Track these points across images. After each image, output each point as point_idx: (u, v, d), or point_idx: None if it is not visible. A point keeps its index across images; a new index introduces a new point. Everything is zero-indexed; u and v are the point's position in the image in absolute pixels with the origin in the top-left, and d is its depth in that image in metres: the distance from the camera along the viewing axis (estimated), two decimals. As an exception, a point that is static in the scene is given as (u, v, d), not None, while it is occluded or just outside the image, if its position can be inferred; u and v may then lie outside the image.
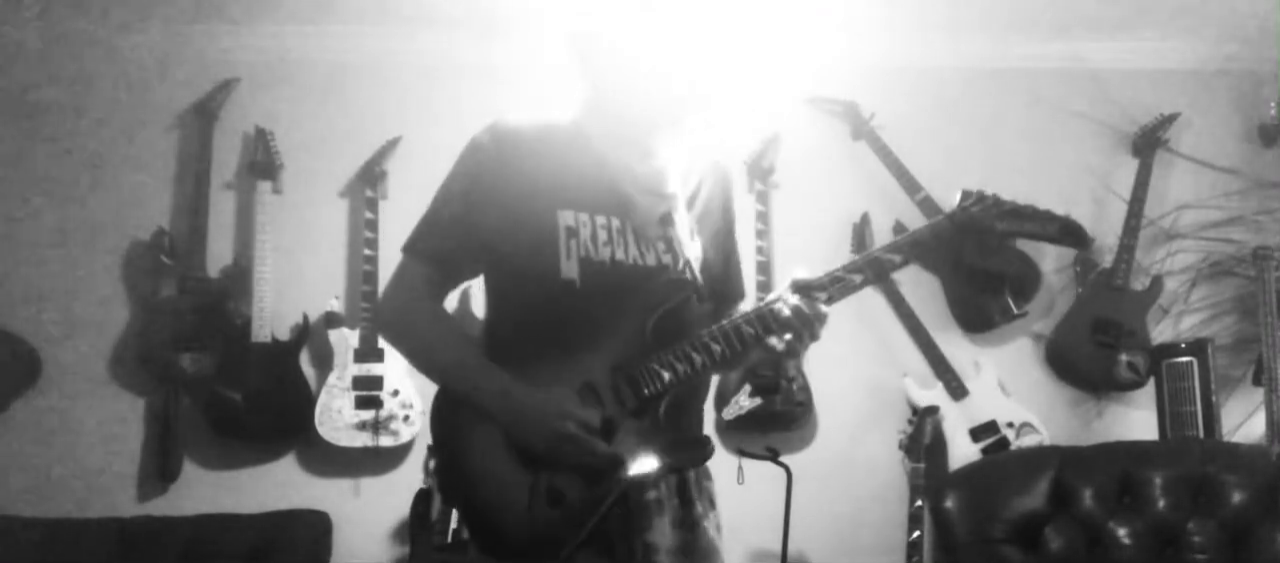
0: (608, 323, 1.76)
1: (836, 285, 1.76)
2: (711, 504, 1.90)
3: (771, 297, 1.78)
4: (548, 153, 1.80)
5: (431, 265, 1.83)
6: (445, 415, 1.80)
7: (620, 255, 1.78)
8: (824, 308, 1.75)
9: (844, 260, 1.71)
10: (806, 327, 1.73)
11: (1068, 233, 1.84)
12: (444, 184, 1.85)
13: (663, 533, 1.79)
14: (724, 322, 1.77)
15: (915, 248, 1.80)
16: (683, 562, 1.81)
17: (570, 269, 1.74)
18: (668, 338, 1.77)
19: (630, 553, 1.76)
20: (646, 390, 1.74)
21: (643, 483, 1.76)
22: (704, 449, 1.80)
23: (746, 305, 1.94)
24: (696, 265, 1.85)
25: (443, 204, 1.83)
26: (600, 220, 1.78)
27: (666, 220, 1.84)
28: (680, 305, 1.80)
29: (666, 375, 1.75)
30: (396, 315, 1.87)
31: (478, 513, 1.75)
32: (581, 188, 1.79)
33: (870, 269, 1.77)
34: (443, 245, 1.82)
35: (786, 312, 1.73)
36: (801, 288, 1.75)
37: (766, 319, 1.75)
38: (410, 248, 1.85)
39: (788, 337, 1.74)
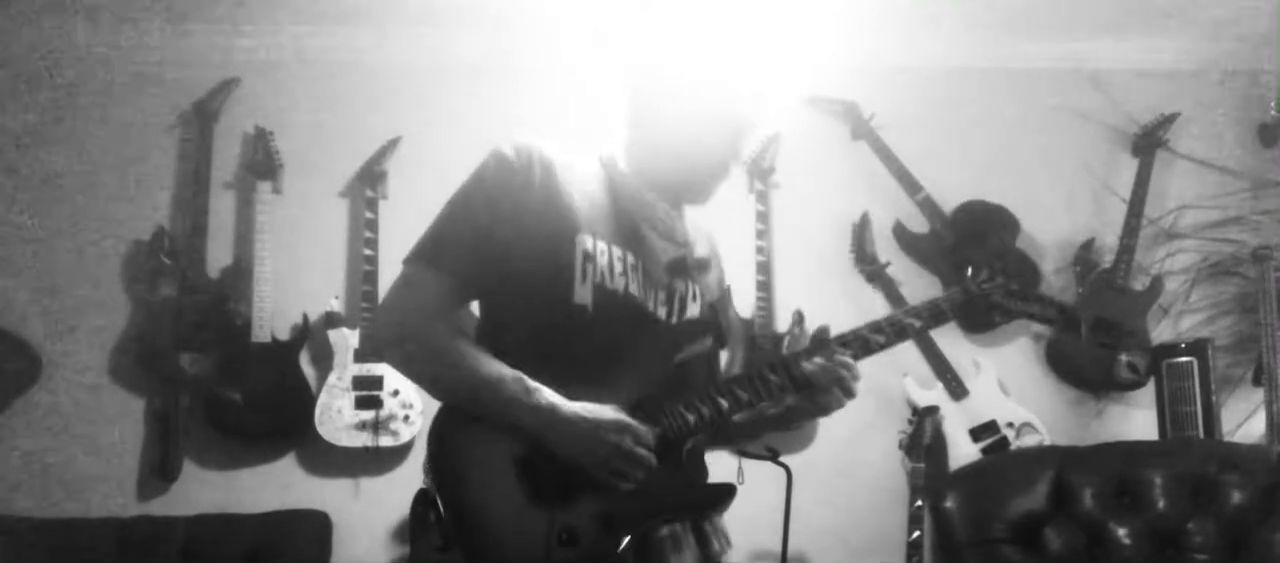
0: (619, 356, 1.72)
1: (858, 342, 1.79)
2: (727, 541, 1.88)
3: (801, 349, 1.78)
4: (571, 179, 1.77)
5: (443, 278, 1.71)
6: (449, 446, 1.68)
7: (634, 290, 1.75)
8: (851, 360, 1.76)
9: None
10: (835, 382, 1.75)
11: (1065, 319, 1.96)
12: (461, 193, 1.75)
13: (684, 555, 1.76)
14: (751, 371, 1.76)
15: (934, 316, 1.84)
16: None
17: (583, 294, 1.69)
18: (689, 382, 1.76)
19: None
20: (671, 432, 1.71)
21: (656, 527, 1.73)
22: (727, 496, 1.76)
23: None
24: (696, 320, 1.84)
25: (459, 213, 1.74)
26: (617, 251, 1.75)
27: (675, 268, 1.82)
28: (708, 352, 1.81)
29: (691, 418, 1.72)
30: (408, 333, 1.72)
31: (486, 550, 1.62)
32: (601, 218, 1.76)
33: (891, 330, 1.81)
34: (458, 257, 1.71)
35: (810, 367, 1.74)
36: (823, 342, 1.77)
37: (792, 370, 1.75)
38: (419, 258, 1.73)
39: (815, 393, 1.77)
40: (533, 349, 1.70)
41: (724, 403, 1.74)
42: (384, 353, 1.80)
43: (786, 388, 1.76)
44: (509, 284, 1.73)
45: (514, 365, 1.67)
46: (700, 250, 1.93)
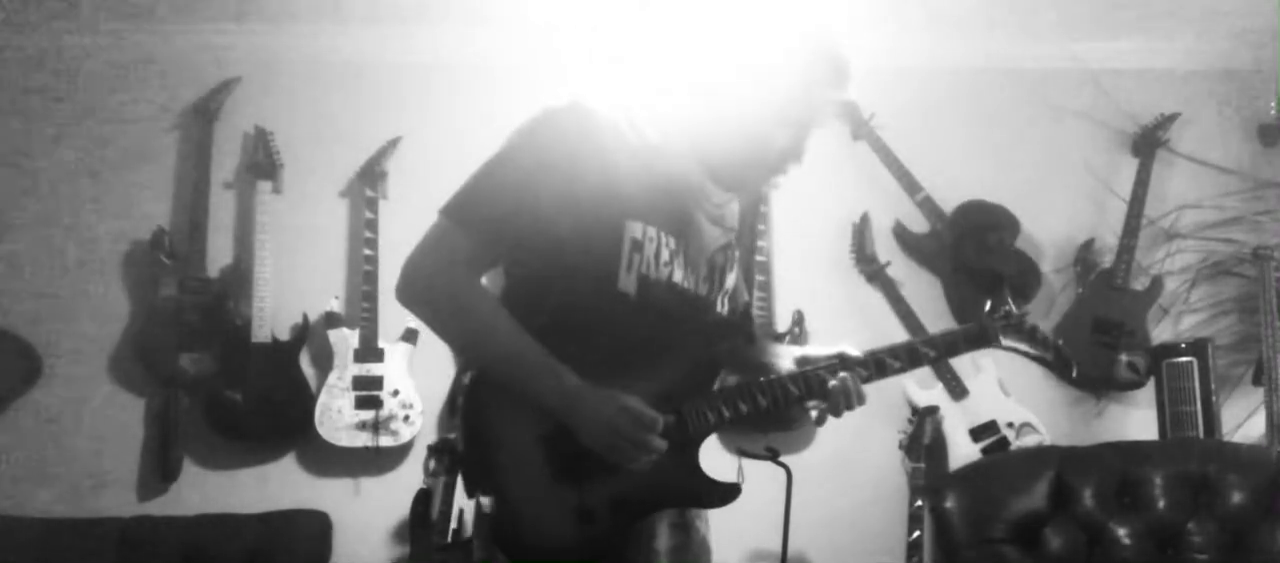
0: (656, 348, 1.73)
1: (876, 366, 1.84)
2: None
3: (820, 362, 1.83)
4: (626, 148, 1.70)
5: (471, 236, 1.65)
6: (481, 409, 1.67)
7: (677, 278, 1.75)
8: (865, 388, 1.82)
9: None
10: (846, 403, 1.80)
11: (1060, 362, 2.03)
12: (506, 149, 1.68)
13: (661, 536, 1.80)
14: (773, 377, 1.81)
15: (949, 348, 1.95)
16: (679, 561, 1.82)
17: (628, 283, 1.68)
18: (708, 375, 1.79)
19: (634, 558, 1.76)
20: (691, 429, 1.73)
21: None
22: (732, 493, 1.79)
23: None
24: (729, 299, 1.88)
25: (501, 171, 1.67)
26: (665, 238, 1.73)
27: (723, 252, 1.84)
28: (732, 350, 1.86)
29: (711, 418, 1.75)
30: (442, 291, 1.67)
31: (505, 514, 1.65)
32: (651, 199, 1.71)
33: (907, 356, 1.86)
34: (491, 217, 1.65)
35: (833, 382, 1.79)
36: (846, 363, 1.81)
37: (811, 384, 1.81)
38: (455, 212, 1.67)
39: (822, 405, 1.83)
40: (563, 325, 1.67)
41: (744, 407, 1.78)
42: (410, 306, 1.70)
43: (805, 397, 1.81)
44: (544, 253, 1.68)
45: (542, 339, 1.65)
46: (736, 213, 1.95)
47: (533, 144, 1.67)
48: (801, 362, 1.85)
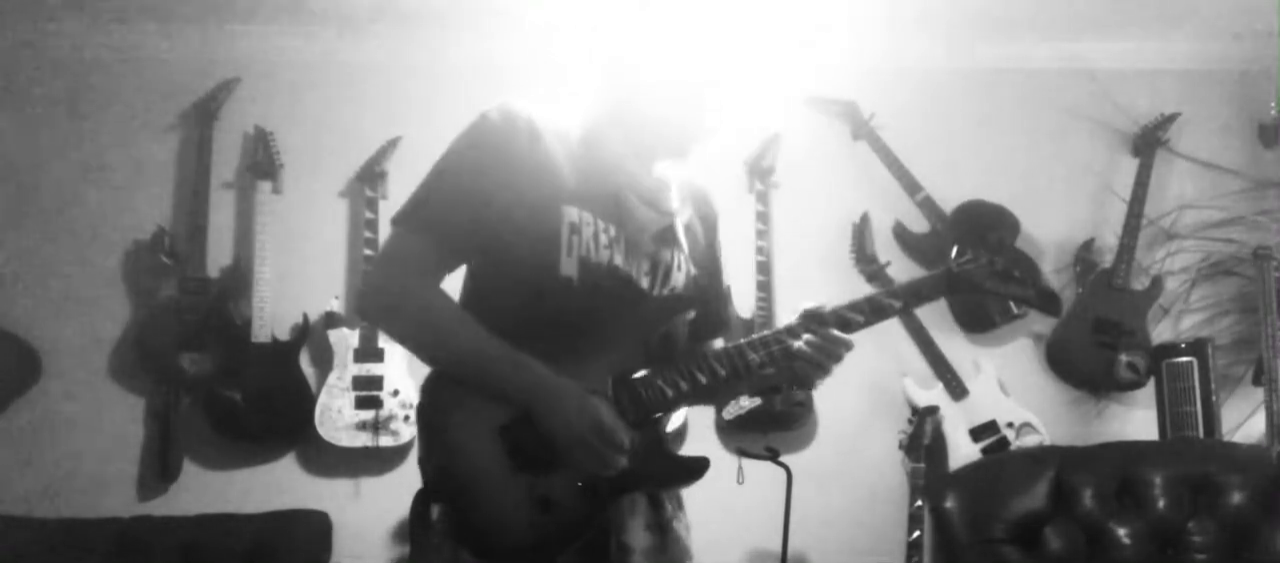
0: (603, 330, 1.74)
1: (837, 321, 1.80)
2: (680, 505, 1.90)
3: (781, 327, 1.81)
4: (556, 146, 1.76)
5: (429, 242, 1.72)
6: (437, 407, 1.72)
7: (618, 261, 1.76)
8: (843, 335, 1.78)
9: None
10: (825, 358, 1.77)
11: (1044, 298, 1.97)
12: (446, 157, 1.74)
13: (636, 535, 1.79)
14: (731, 346, 1.79)
15: (915, 296, 1.88)
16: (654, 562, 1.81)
17: (570, 266, 1.70)
18: (672, 352, 1.79)
19: (605, 554, 1.75)
20: (650, 406, 1.74)
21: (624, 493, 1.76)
22: (701, 470, 1.79)
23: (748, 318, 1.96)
24: (680, 290, 1.86)
25: (445, 177, 1.73)
26: (601, 223, 1.75)
27: (661, 237, 1.84)
28: (678, 327, 1.83)
29: (670, 393, 1.75)
30: (396, 297, 1.72)
31: (466, 511, 1.70)
32: (585, 187, 1.75)
33: (870, 309, 1.82)
34: (444, 220, 1.71)
35: (799, 345, 1.77)
36: (812, 318, 1.79)
37: (772, 350, 1.78)
38: (405, 221, 1.73)
39: (799, 367, 1.79)
40: (517, 319, 1.70)
41: (702, 378, 1.77)
42: (368, 314, 1.78)
43: (766, 364, 1.79)
44: (494, 252, 1.73)
45: (498, 334, 1.68)
46: (687, 215, 1.92)
47: (471, 145, 1.73)
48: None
